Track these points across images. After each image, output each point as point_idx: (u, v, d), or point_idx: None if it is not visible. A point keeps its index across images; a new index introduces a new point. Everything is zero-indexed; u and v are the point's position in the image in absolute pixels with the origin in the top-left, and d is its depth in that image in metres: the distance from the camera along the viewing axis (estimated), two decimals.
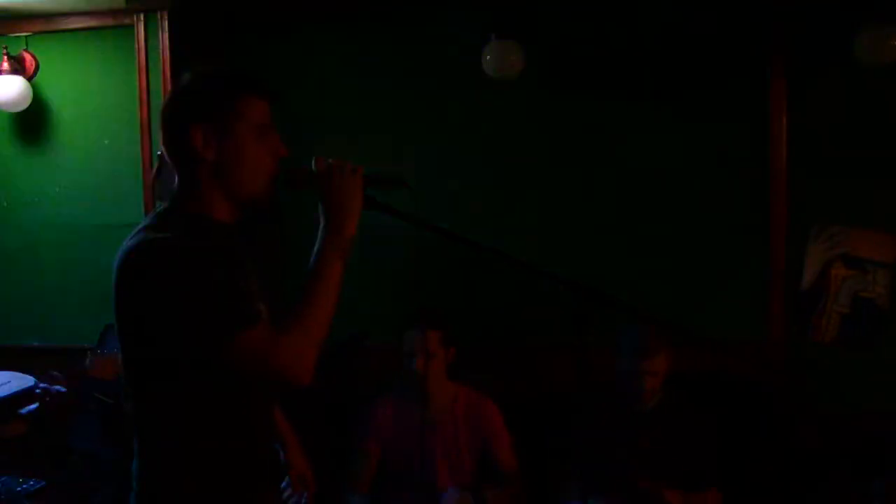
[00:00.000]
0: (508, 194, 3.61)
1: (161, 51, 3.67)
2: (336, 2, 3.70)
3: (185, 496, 1.74)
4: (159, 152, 3.64)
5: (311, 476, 2.31)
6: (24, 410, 2.88)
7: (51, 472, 3.24)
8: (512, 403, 3.27)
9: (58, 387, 2.82)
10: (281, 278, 1.92)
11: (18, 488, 3.00)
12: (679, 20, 3.44)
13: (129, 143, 3.76)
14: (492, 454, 3.15)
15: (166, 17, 3.64)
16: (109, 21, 3.75)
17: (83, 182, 3.85)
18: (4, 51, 3.74)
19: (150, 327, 1.65)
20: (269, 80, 1.79)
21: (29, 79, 3.79)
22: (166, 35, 3.65)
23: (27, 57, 3.81)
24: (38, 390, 2.82)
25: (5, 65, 3.71)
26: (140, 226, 1.74)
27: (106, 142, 3.83)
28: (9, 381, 3.13)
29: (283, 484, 2.25)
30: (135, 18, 3.68)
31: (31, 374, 3.23)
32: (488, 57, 3.41)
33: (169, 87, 3.61)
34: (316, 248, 1.74)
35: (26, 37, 3.83)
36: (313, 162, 1.77)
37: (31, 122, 3.89)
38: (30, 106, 3.80)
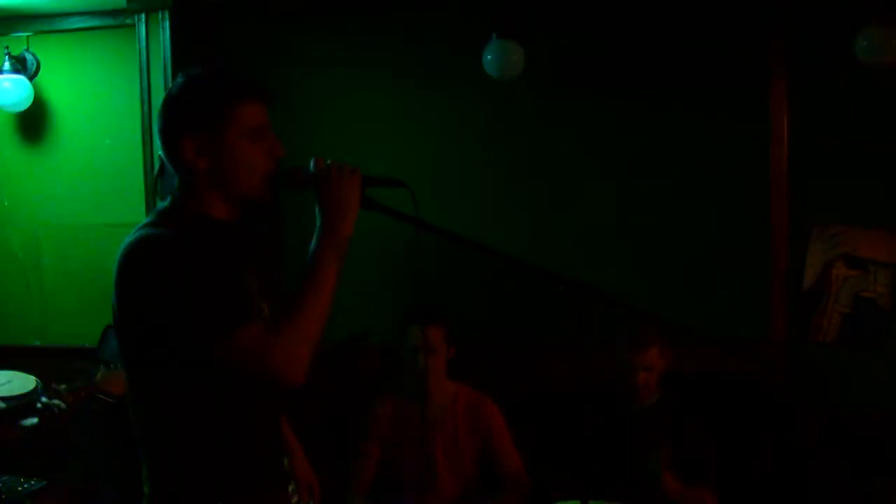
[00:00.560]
0: (509, 194, 3.61)
1: (162, 50, 3.67)
2: (337, 1, 3.70)
3: (191, 498, 1.74)
4: (160, 154, 3.64)
5: (317, 485, 2.30)
6: (24, 422, 2.86)
7: (52, 471, 3.24)
8: (512, 403, 3.27)
9: (57, 401, 2.79)
10: (281, 278, 1.92)
11: (20, 488, 3.01)
12: (680, 20, 3.43)
13: (130, 143, 3.76)
14: (493, 455, 3.15)
15: (167, 16, 3.65)
16: (110, 21, 3.75)
17: (84, 182, 3.85)
18: (6, 51, 3.74)
19: (147, 323, 1.65)
20: (262, 81, 1.78)
21: (30, 79, 3.80)
22: (167, 35, 3.65)
23: (29, 57, 3.81)
24: (38, 405, 2.80)
25: (7, 65, 3.72)
26: (140, 224, 1.75)
27: (107, 142, 3.83)
28: (10, 381, 3.13)
29: (290, 490, 2.25)
30: (136, 18, 3.68)
31: (32, 375, 3.23)
32: (489, 57, 3.41)
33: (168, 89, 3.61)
34: (312, 248, 1.73)
35: (28, 37, 3.83)
36: (312, 162, 1.77)
37: (33, 122, 3.90)
38: (31, 106, 3.81)
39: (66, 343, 3.77)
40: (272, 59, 3.72)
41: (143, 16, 3.68)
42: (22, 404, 2.85)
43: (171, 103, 1.76)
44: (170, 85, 3.62)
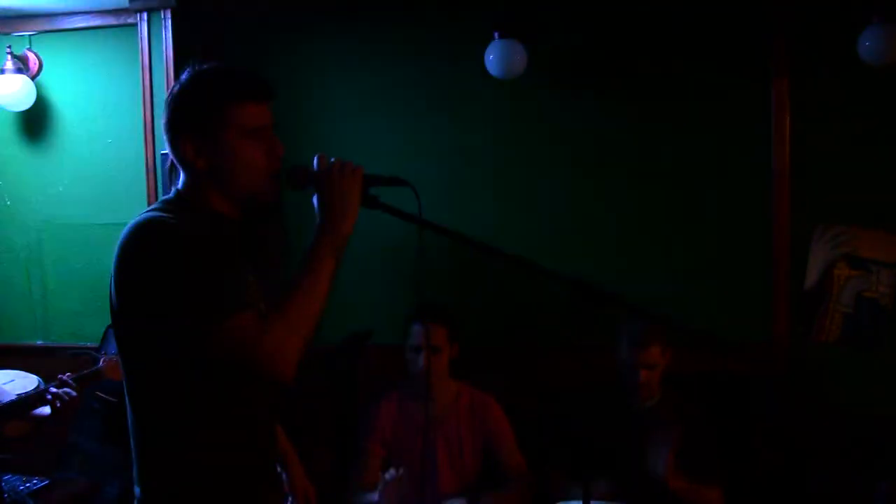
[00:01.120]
0: (511, 194, 3.61)
1: (164, 49, 3.68)
2: (339, 1, 3.70)
3: (184, 500, 1.73)
4: (163, 151, 3.65)
5: (313, 494, 2.28)
6: (35, 412, 2.88)
7: (54, 470, 3.25)
8: (514, 403, 3.27)
9: (67, 389, 2.83)
10: (280, 280, 1.92)
11: (22, 487, 3.01)
12: (682, 20, 3.43)
13: (132, 142, 3.76)
14: (496, 454, 3.15)
15: (169, 15, 3.65)
16: (112, 20, 3.76)
17: (86, 181, 3.86)
18: (8, 50, 3.74)
19: (144, 306, 1.65)
20: (264, 80, 1.78)
21: (32, 78, 3.80)
22: (169, 34, 3.66)
23: (31, 56, 3.82)
24: (48, 395, 2.82)
25: (9, 64, 3.72)
26: (143, 211, 1.76)
27: (109, 140, 3.84)
28: (13, 380, 3.13)
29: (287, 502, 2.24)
30: (138, 17, 3.69)
31: (33, 374, 3.24)
32: (491, 56, 3.40)
33: (171, 87, 3.61)
34: (310, 245, 1.73)
35: (30, 36, 3.83)
36: (315, 160, 1.77)
37: (35, 121, 3.90)
38: (33, 105, 3.81)
39: (68, 342, 3.77)
40: (273, 58, 3.72)
41: (144, 15, 3.69)
42: (32, 396, 2.86)
43: (173, 102, 1.77)
44: (171, 84, 3.62)
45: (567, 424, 3.10)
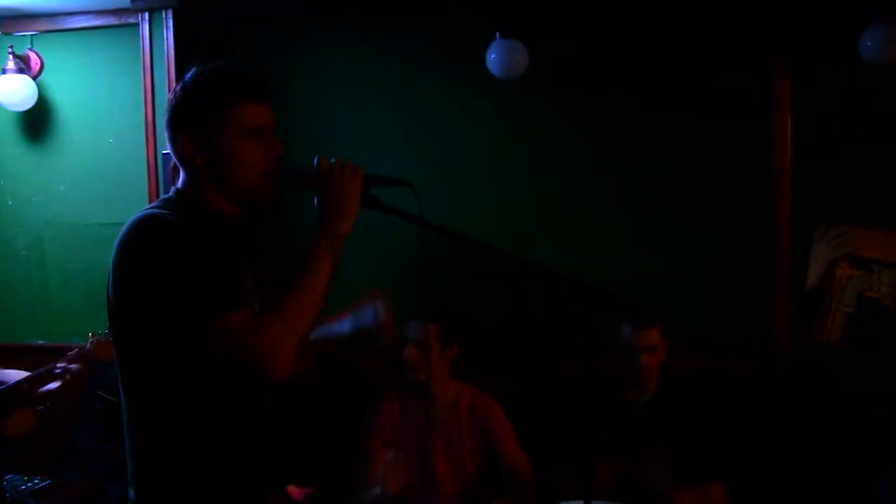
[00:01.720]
0: (512, 194, 3.61)
1: (166, 49, 3.69)
2: (339, 1, 3.70)
3: (178, 501, 1.73)
4: (164, 151, 3.65)
5: None
6: (44, 389, 2.91)
7: (56, 470, 3.24)
8: (515, 403, 3.27)
9: (76, 365, 2.87)
10: (278, 280, 1.92)
11: (23, 486, 3.01)
12: (684, 19, 3.43)
13: (133, 142, 3.77)
14: (497, 455, 3.15)
15: (171, 15, 3.66)
16: (114, 20, 3.76)
17: (88, 180, 3.86)
18: (10, 50, 3.75)
19: (141, 300, 1.66)
20: (265, 81, 1.79)
21: (34, 78, 3.80)
22: (171, 33, 3.67)
23: (32, 56, 3.83)
24: (57, 369, 2.87)
25: (11, 64, 3.72)
26: (143, 209, 1.77)
27: (111, 140, 3.84)
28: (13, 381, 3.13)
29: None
30: (139, 17, 3.70)
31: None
32: (492, 56, 3.40)
33: (173, 86, 3.61)
34: (310, 244, 1.74)
35: (31, 36, 3.84)
36: (315, 160, 1.77)
37: (36, 120, 3.90)
38: (35, 105, 3.81)
39: (69, 342, 3.77)
40: (275, 58, 3.73)
41: (146, 15, 3.70)
42: (42, 373, 2.90)
43: (175, 100, 1.78)
44: (173, 84, 3.63)
45: (567, 426, 3.09)
